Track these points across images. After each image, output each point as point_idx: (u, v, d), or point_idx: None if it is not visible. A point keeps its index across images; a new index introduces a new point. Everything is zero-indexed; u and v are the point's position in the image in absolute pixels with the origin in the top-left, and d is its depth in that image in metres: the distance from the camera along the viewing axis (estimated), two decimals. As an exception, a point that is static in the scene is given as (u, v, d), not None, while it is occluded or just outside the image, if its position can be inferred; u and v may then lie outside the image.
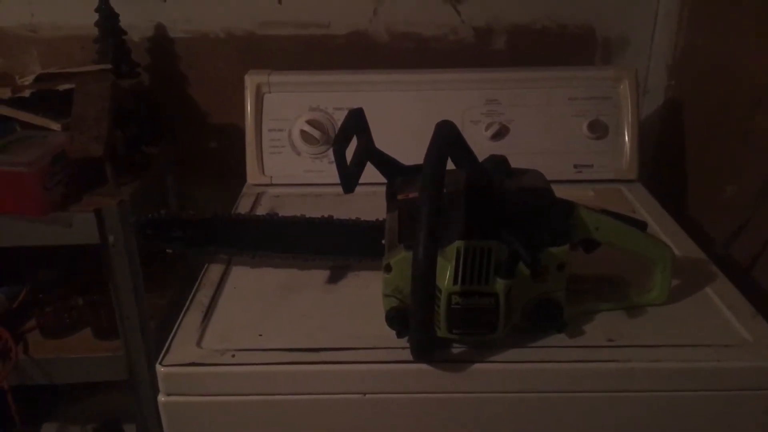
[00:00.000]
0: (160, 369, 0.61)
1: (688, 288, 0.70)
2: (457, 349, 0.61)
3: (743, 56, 0.89)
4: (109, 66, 1.00)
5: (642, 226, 0.66)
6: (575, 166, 0.97)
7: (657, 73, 1.13)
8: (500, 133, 0.96)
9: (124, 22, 1.03)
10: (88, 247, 0.90)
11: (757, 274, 0.81)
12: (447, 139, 0.59)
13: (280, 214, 0.77)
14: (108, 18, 1.02)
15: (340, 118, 0.96)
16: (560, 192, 0.64)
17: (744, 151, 0.88)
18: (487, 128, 0.96)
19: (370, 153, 0.68)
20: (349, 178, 0.63)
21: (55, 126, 0.94)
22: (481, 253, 0.57)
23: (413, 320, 0.56)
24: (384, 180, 0.71)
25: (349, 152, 0.65)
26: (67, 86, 0.95)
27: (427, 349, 0.59)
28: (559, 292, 0.62)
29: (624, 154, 0.97)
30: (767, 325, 0.64)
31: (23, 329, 1.03)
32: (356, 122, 0.67)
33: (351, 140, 0.66)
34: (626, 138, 0.97)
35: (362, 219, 0.74)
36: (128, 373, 0.98)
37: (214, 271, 0.76)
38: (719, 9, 0.97)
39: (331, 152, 0.85)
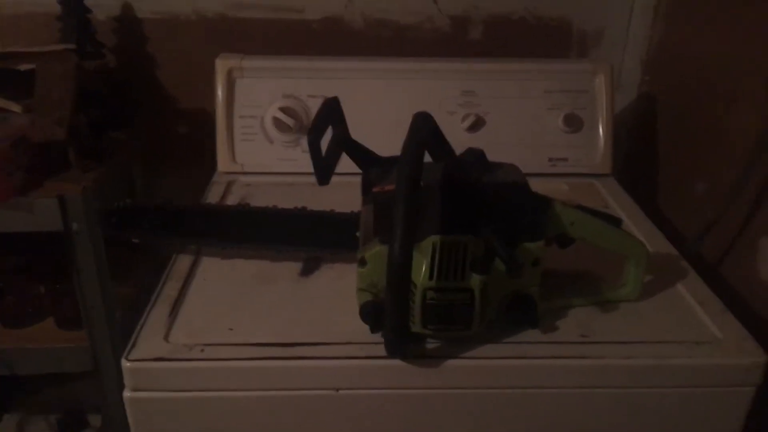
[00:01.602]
0: (125, 364, 0.59)
1: (659, 284, 0.71)
2: (431, 345, 0.61)
3: (718, 52, 0.89)
4: (72, 46, 0.96)
5: (617, 222, 0.67)
6: (550, 160, 0.98)
7: (631, 68, 1.13)
8: (476, 125, 0.96)
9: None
10: (51, 234, 0.87)
11: (727, 270, 0.83)
12: (424, 131, 0.58)
13: (251, 204, 0.75)
14: (72, -5, 0.98)
15: (314, 105, 0.94)
16: (535, 185, 0.63)
17: (715, 149, 0.89)
18: (463, 119, 0.95)
19: (345, 144, 0.67)
20: (323, 170, 0.61)
21: (16, 108, 0.90)
22: (457, 248, 0.56)
23: (388, 315, 0.55)
24: (359, 170, 0.70)
25: (324, 143, 0.64)
26: (28, 66, 0.91)
27: (402, 344, 0.58)
28: (534, 288, 0.62)
29: (598, 149, 0.98)
30: (737, 321, 0.65)
31: (-18, 318, 0.99)
32: (331, 112, 0.66)
33: (326, 131, 0.64)
34: (600, 132, 0.97)
35: (336, 211, 0.72)
36: (93, 364, 0.95)
37: (183, 262, 0.74)
38: (694, 5, 0.97)
39: (304, 140, 0.84)
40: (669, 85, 1.04)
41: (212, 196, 0.90)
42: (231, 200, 0.89)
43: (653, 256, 0.75)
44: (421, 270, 0.56)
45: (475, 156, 0.63)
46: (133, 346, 0.60)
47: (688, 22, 0.99)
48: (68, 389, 1.20)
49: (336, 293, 0.68)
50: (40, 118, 0.85)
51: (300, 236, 0.72)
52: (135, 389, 0.59)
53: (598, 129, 0.97)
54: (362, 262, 0.59)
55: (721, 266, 0.84)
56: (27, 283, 1.00)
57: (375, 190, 0.65)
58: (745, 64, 0.82)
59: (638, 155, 1.12)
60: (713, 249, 0.84)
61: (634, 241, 0.67)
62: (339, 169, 0.65)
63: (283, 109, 0.94)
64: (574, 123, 0.96)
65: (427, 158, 0.57)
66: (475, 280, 0.57)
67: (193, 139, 1.14)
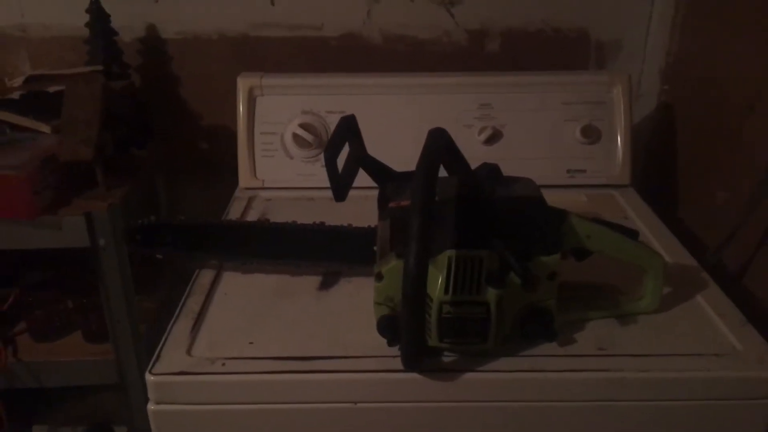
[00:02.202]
0: (149, 377, 0.60)
1: (678, 296, 0.70)
2: (448, 359, 0.61)
3: (735, 62, 0.89)
4: (99, 67, 1.00)
5: (633, 234, 0.66)
6: (568, 171, 0.97)
7: (650, 78, 1.13)
8: (493, 138, 0.96)
9: (115, 22, 1.02)
10: (78, 249, 0.89)
11: (747, 281, 0.82)
12: (439, 147, 0.59)
13: (271, 220, 0.76)
14: (99, 19, 1.01)
15: (333, 121, 0.96)
16: (553, 197, 0.64)
17: (735, 158, 0.88)
18: (480, 132, 0.96)
19: (361, 160, 0.68)
20: (340, 188, 0.62)
21: (45, 128, 0.93)
22: (472, 262, 0.57)
23: (404, 329, 0.56)
24: (375, 184, 0.71)
25: (341, 159, 0.65)
26: (57, 88, 0.94)
27: (418, 358, 0.58)
28: (550, 301, 0.62)
29: (617, 160, 0.97)
30: (757, 333, 0.65)
31: (13, 332, 1.02)
32: (348, 129, 0.67)
33: (343, 147, 0.66)
34: (619, 143, 0.97)
35: (354, 225, 0.73)
36: (118, 376, 0.97)
37: (205, 277, 0.76)
38: (712, 14, 0.97)
39: (323, 156, 0.85)
40: (688, 94, 1.04)
41: (234, 212, 0.92)
42: (252, 215, 0.91)
43: (673, 268, 0.75)
44: (437, 284, 0.57)
45: (490, 170, 0.64)
46: (157, 359, 0.62)
47: (705, 32, 0.99)
48: (95, 401, 1.23)
49: (354, 307, 0.69)
50: (68, 138, 0.87)
51: (318, 251, 0.73)
52: (159, 402, 0.61)
53: (617, 140, 0.97)
54: (379, 277, 0.60)
55: (741, 277, 0.83)
56: (55, 298, 1.02)
57: (391, 205, 0.66)
58: (762, 74, 0.82)
59: (658, 165, 1.11)
60: (734, 260, 0.83)
61: (652, 253, 0.67)
62: (356, 183, 0.66)
63: (302, 126, 0.95)
64: (592, 134, 0.96)
65: (443, 173, 0.58)
66: (491, 293, 0.57)
67: (215, 155, 1.17)
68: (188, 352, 0.63)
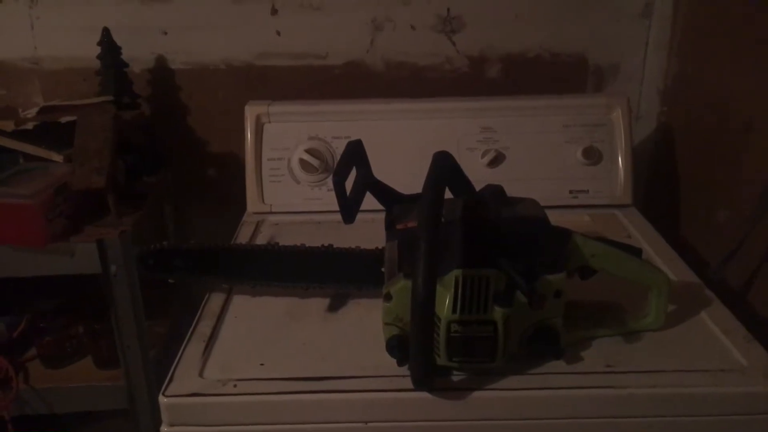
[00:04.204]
0: (162, 400, 0.61)
1: (683, 313, 0.71)
2: (457, 377, 0.62)
3: (732, 83, 0.91)
4: (110, 98, 1.02)
5: (637, 252, 0.67)
6: (571, 192, 0.99)
7: (649, 99, 1.15)
8: (496, 160, 0.98)
9: (125, 54, 1.05)
10: (89, 275, 0.91)
11: (752, 298, 0.83)
12: (444, 169, 0.60)
13: (280, 243, 0.78)
14: (110, 51, 1.04)
15: (338, 146, 0.98)
16: (556, 217, 0.65)
17: (735, 176, 0.90)
18: (483, 155, 0.98)
19: (369, 183, 0.69)
20: (348, 210, 0.64)
21: (58, 157, 0.95)
22: (480, 281, 0.58)
23: (413, 349, 0.57)
24: (382, 207, 0.73)
25: (349, 182, 0.67)
26: (69, 118, 0.96)
27: (428, 377, 0.59)
28: (557, 319, 0.63)
29: (618, 180, 0.99)
30: (762, 349, 0.65)
31: (24, 359, 1.03)
32: (355, 154, 0.69)
33: (350, 171, 0.67)
34: (620, 164, 0.99)
35: (362, 247, 0.75)
36: (129, 402, 0.98)
37: (215, 300, 0.77)
38: (708, 37, 0.99)
39: (330, 180, 0.87)
40: (686, 115, 1.06)
41: (242, 236, 0.93)
42: (260, 239, 0.93)
43: (677, 285, 0.76)
44: (444, 303, 0.58)
45: (494, 192, 0.65)
46: (170, 382, 0.63)
47: (701, 55, 1.01)
48: (105, 427, 1.23)
49: (363, 328, 0.70)
50: (80, 167, 0.89)
51: (327, 273, 0.74)
52: (172, 424, 0.62)
53: (618, 160, 0.99)
54: (387, 297, 0.61)
55: (745, 293, 0.84)
56: (66, 324, 1.03)
57: (398, 227, 0.67)
58: (759, 94, 0.84)
59: (659, 185, 1.13)
60: (737, 276, 0.84)
61: (655, 270, 0.68)
62: (363, 206, 0.68)
63: (308, 151, 0.97)
64: (593, 156, 0.98)
65: (448, 195, 0.60)
66: (498, 312, 0.58)
67: (224, 181, 1.19)
68: (200, 374, 0.64)
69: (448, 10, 1.11)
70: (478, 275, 0.58)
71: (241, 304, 0.77)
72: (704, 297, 0.75)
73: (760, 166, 0.83)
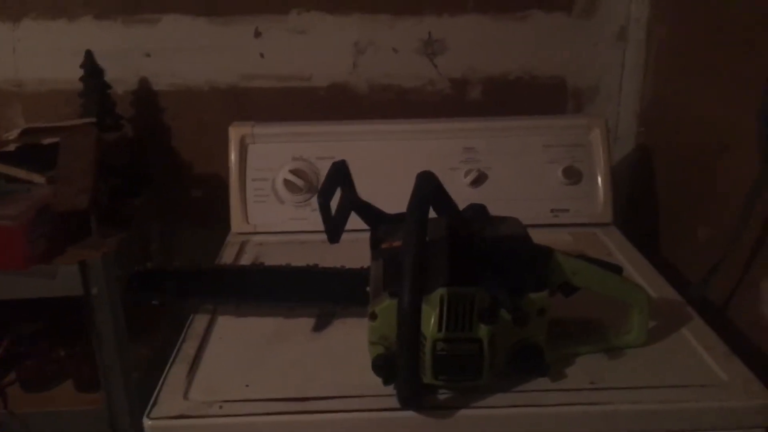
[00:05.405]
0: (147, 422, 0.60)
1: (665, 329, 0.72)
2: (443, 396, 0.62)
3: (707, 104, 0.93)
4: (93, 120, 1.02)
5: (618, 270, 0.69)
6: (552, 211, 1.00)
7: (626, 120, 1.18)
8: (479, 180, 0.99)
9: (108, 76, 1.05)
10: (70, 298, 0.90)
11: (731, 314, 0.84)
12: (428, 189, 0.61)
13: (265, 263, 0.78)
14: (93, 73, 1.04)
15: (322, 167, 0.98)
16: (538, 236, 0.66)
17: (713, 195, 0.92)
18: (465, 175, 0.99)
19: (353, 204, 0.70)
20: (334, 230, 0.64)
21: (40, 179, 0.95)
22: (465, 299, 0.59)
23: (400, 367, 0.57)
24: (367, 227, 0.73)
25: (334, 203, 0.67)
26: (51, 140, 0.96)
27: (414, 396, 0.59)
28: (540, 336, 0.63)
29: (598, 199, 1.01)
30: (741, 364, 0.66)
31: (3, 383, 1.01)
32: (339, 174, 0.70)
33: (335, 192, 0.68)
34: (600, 183, 1.01)
35: (347, 267, 0.75)
36: (110, 426, 0.96)
37: (200, 321, 0.76)
38: (682, 59, 1.02)
39: (314, 200, 0.87)
40: (663, 135, 1.08)
41: (227, 256, 0.93)
42: (245, 260, 0.92)
43: (658, 303, 0.77)
44: (430, 322, 0.58)
45: (477, 211, 0.66)
46: (154, 404, 0.62)
47: (676, 76, 1.04)
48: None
49: (349, 347, 0.70)
50: (63, 188, 0.89)
51: (312, 293, 0.74)
52: (156, 447, 0.61)
53: (597, 180, 1.01)
54: (373, 316, 0.62)
55: (725, 310, 0.85)
56: (47, 347, 1.02)
57: (383, 246, 0.68)
58: (732, 114, 0.86)
59: (639, 204, 1.15)
60: (717, 293, 0.86)
61: (635, 288, 0.69)
62: (348, 226, 0.69)
63: (293, 172, 0.98)
64: (573, 175, 1.00)
65: (432, 214, 0.60)
66: (483, 330, 0.59)
67: (208, 202, 1.19)
68: (185, 396, 0.63)
69: (430, 33, 1.13)
70: (463, 293, 0.59)
71: (226, 324, 0.76)
72: (685, 314, 0.76)
73: (735, 185, 0.85)
